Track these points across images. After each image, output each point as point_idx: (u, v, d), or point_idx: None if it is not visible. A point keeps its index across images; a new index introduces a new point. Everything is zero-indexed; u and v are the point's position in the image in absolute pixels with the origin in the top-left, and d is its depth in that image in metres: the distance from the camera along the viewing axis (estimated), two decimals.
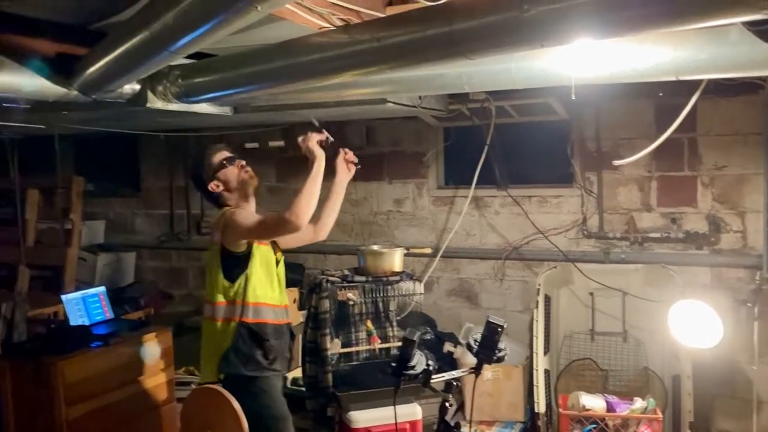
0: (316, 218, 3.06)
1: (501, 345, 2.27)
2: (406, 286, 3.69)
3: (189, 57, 2.92)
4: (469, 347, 2.28)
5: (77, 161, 6.24)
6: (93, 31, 2.70)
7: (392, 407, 3.30)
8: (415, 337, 2.10)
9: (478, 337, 2.28)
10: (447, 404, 2.23)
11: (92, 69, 2.67)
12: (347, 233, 5.33)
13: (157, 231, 6.10)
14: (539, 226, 4.67)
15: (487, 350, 2.24)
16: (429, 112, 4.04)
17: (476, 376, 2.30)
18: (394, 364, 2.16)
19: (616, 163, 3.82)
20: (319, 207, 3.07)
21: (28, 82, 2.69)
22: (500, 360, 2.28)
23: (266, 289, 2.87)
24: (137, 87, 3.02)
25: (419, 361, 2.14)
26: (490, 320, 2.26)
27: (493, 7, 1.82)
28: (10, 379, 3.48)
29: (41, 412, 3.39)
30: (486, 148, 4.49)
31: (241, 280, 2.80)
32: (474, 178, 4.60)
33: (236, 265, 2.81)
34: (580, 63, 2.51)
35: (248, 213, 2.89)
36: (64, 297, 4.03)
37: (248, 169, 2.95)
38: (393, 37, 2.08)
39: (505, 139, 4.65)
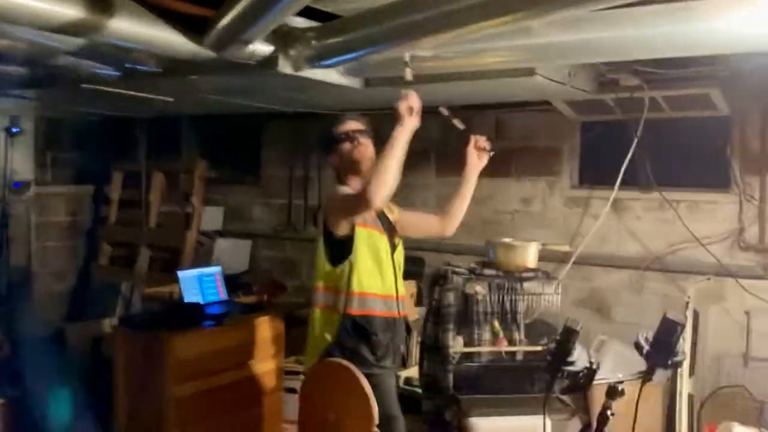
0: (444, 211, 2.85)
1: (678, 347, 1.90)
2: (539, 286, 3.33)
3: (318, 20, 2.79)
4: (638, 347, 1.91)
5: (201, 147, 6.29)
6: None
7: (519, 417, 2.99)
8: (578, 327, 1.77)
9: (650, 335, 1.91)
10: (609, 413, 1.88)
11: (224, 20, 2.55)
12: (467, 232, 4.95)
13: (274, 220, 6.03)
14: (688, 234, 4.17)
15: (662, 352, 1.87)
16: (574, 94, 3.65)
17: (643, 383, 1.94)
18: (549, 357, 1.83)
19: None
20: (448, 200, 2.84)
21: (161, 35, 2.59)
22: (677, 365, 1.91)
23: (374, 277, 2.62)
24: (269, 49, 2.87)
25: (580, 356, 1.81)
26: (668, 316, 1.89)
27: None
28: (123, 348, 3.43)
29: (150, 386, 3.31)
30: (634, 143, 4.04)
31: (344, 267, 2.58)
32: (618, 178, 4.15)
33: (339, 248, 2.60)
34: None
35: (343, 189, 2.68)
36: (180, 273, 3.97)
37: (364, 148, 2.74)
38: None
39: (652, 135, 4.20)
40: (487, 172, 4.65)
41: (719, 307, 3.98)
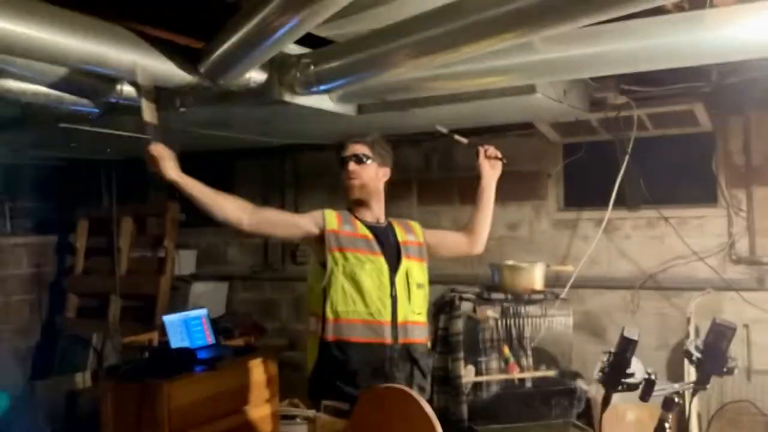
0: (468, 228, 2.73)
1: (730, 354, 1.82)
2: (548, 307, 3.24)
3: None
4: (687, 355, 1.83)
5: (170, 188, 6.05)
6: None
7: None
8: (637, 336, 1.67)
9: (700, 343, 1.83)
10: (666, 425, 1.79)
11: (220, 50, 2.45)
12: (452, 260, 4.91)
13: (251, 261, 5.83)
14: (679, 251, 4.17)
15: (714, 360, 1.79)
16: (568, 113, 3.64)
17: (694, 392, 1.85)
18: (606, 370, 1.73)
19: None
20: (470, 216, 2.75)
21: (155, 65, 2.48)
22: (730, 372, 1.82)
23: (355, 303, 2.44)
24: (263, 77, 2.77)
25: (637, 368, 1.71)
26: (718, 322, 1.81)
27: None
28: (112, 402, 3.19)
29: None
30: (626, 162, 4.03)
31: (319, 291, 2.47)
32: (609, 198, 4.11)
33: (320, 269, 2.50)
34: None
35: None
36: (165, 318, 3.76)
37: (352, 176, 2.57)
38: None
39: (637, 153, 4.20)
40: (472, 198, 4.65)
41: None
